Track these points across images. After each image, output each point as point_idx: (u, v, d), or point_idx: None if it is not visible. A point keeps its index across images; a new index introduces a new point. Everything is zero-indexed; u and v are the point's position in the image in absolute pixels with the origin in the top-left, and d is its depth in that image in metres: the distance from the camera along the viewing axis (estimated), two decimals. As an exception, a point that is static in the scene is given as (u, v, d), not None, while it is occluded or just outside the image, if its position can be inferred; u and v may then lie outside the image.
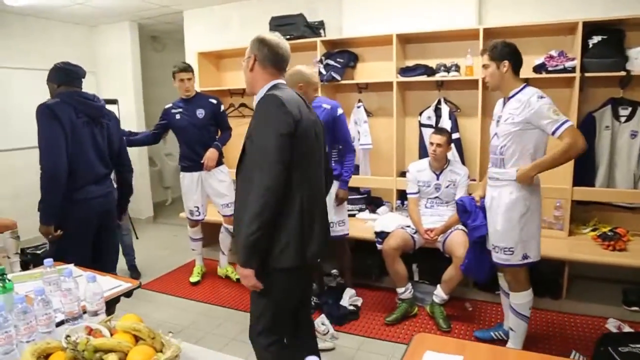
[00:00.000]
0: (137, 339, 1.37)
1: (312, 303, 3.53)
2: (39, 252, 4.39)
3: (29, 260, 4.34)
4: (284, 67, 2.01)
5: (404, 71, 3.90)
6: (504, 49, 2.54)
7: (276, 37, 1.98)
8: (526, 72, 3.39)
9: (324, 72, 4.03)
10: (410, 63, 3.97)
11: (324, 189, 2.12)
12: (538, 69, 3.49)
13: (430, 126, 3.92)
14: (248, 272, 1.82)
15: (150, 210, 6.55)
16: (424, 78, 3.83)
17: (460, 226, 3.34)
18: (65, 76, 2.76)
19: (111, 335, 1.37)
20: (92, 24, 6.12)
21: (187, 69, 3.73)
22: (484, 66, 2.61)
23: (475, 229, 2.74)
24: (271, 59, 1.95)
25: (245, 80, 2.04)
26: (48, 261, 1.83)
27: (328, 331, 3.18)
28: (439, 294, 3.26)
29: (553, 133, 2.40)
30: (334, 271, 3.95)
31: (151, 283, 4.18)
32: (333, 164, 3.37)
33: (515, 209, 2.55)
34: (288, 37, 4.19)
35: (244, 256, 1.79)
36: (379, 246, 3.49)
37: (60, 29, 5.77)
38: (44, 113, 2.58)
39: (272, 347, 1.99)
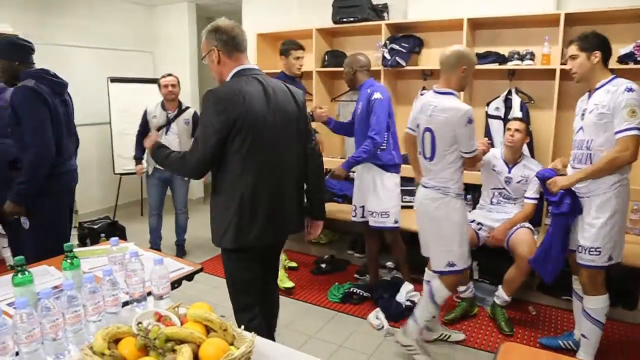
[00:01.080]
0: (207, 329, 1.29)
1: (362, 295, 3.46)
2: (95, 226, 4.47)
3: (86, 234, 4.44)
4: (246, 46, 2.02)
5: (473, 58, 3.67)
6: (595, 39, 2.40)
7: (227, 21, 1.98)
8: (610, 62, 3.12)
9: (388, 57, 3.87)
10: (480, 50, 3.74)
11: (287, 172, 2.08)
12: (624, 58, 3.20)
13: (498, 117, 3.70)
14: None
15: (201, 191, 6.60)
16: (494, 66, 3.60)
17: (527, 224, 3.14)
18: (25, 53, 2.65)
19: (181, 323, 1.30)
20: (151, 4, 6.16)
21: (302, 46, 3.62)
22: (572, 57, 2.46)
23: (562, 204, 2.50)
24: (232, 44, 1.95)
25: (214, 76, 2.04)
26: (114, 240, 1.79)
27: (383, 326, 3.07)
28: (501, 295, 3.08)
29: (615, 133, 2.28)
30: (389, 264, 3.82)
31: (201, 264, 4.16)
32: (379, 152, 3.22)
33: (607, 208, 2.38)
34: (352, 19, 4.06)
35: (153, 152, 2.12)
36: (439, 241, 3.33)
37: (121, 8, 5.84)
38: (31, 96, 2.51)
39: (250, 324, 1.99)
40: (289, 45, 3.56)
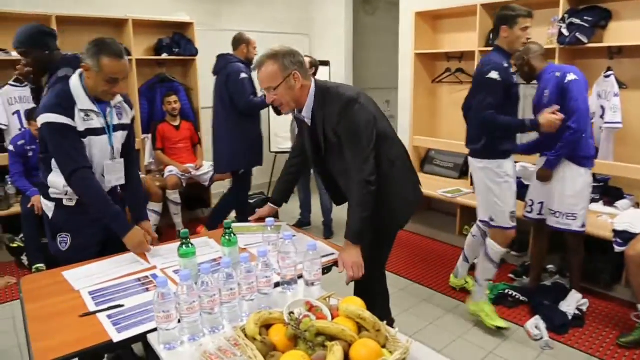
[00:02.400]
0: (359, 327, 1.21)
1: (518, 298, 3.12)
2: (251, 201, 4.74)
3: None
4: None
5: (681, 32, 3.03)
6: None
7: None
8: None
9: (566, 33, 3.37)
10: (691, 21, 3.07)
11: None
12: None
13: None
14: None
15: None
16: None
17: None
18: (52, 39, 2.44)
19: (332, 316, 1.24)
20: (311, -13, 6.29)
21: (532, 12, 2.67)
22: None
23: None
24: (304, 63, 1.91)
25: (285, 103, 1.92)
26: (270, 220, 1.81)
27: (541, 337, 2.73)
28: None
29: None
30: (551, 267, 3.40)
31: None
32: None
33: None
34: (524, -9, 3.62)
35: (358, 236, 1.87)
36: (617, 248, 2.85)
37: (283, -7, 6.06)
38: None
39: (385, 292, 2.35)
40: (515, 11, 2.63)
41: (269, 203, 2.37)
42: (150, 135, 4.59)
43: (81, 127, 1.94)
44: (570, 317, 2.86)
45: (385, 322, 1.23)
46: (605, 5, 3.46)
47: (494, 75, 2.58)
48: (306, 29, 6.41)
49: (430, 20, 4.58)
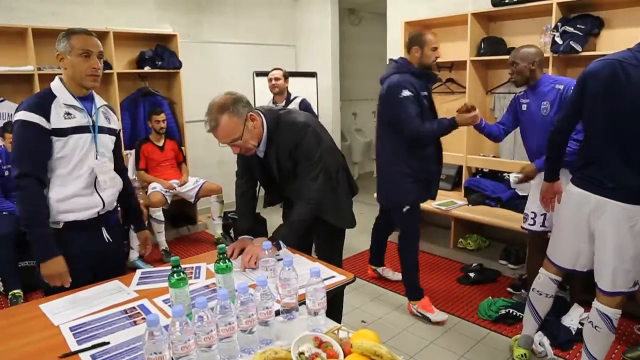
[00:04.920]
0: (375, 364, 1.09)
1: (518, 316, 3.02)
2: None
3: (229, 224, 4.59)
4: None
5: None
6: None
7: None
8: None
9: (560, 41, 3.33)
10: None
11: None
12: None
13: None
14: None
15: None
16: None
17: None
18: None
19: (344, 354, 1.11)
20: (295, -2, 6.22)
21: None
22: None
23: None
24: (248, 101, 2.00)
25: (251, 146, 2.00)
26: (267, 244, 1.68)
27: (546, 355, 2.64)
28: None
29: None
30: (550, 280, 3.32)
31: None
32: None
33: None
34: (516, 0, 3.59)
35: (285, 240, 2.00)
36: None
37: (266, 3, 5.97)
38: None
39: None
40: None
41: (239, 237, 2.16)
42: (134, 152, 4.42)
43: (62, 124, 1.82)
44: (574, 332, 2.77)
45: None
46: (596, 13, 3.43)
47: None
48: (292, 40, 6.33)
49: (421, 30, 4.49)
